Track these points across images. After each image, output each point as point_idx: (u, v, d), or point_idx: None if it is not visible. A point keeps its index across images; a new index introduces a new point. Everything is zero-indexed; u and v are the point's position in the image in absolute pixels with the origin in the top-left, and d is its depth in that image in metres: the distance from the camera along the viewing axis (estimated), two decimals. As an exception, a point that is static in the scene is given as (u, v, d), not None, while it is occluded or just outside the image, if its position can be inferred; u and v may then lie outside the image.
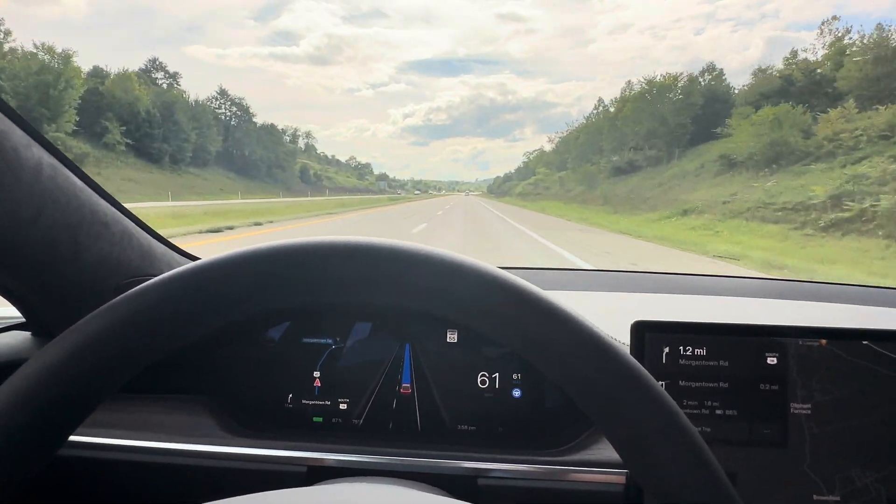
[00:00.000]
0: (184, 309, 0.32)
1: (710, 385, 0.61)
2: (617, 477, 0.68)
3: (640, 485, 0.31)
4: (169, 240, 0.91)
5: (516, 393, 0.79)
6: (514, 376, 0.79)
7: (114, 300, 0.32)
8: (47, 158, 0.65)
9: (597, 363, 0.30)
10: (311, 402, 0.81)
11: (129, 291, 0.32)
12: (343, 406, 0.81)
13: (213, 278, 0.32)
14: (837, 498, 0.60)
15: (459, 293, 0.32)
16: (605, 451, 0.72)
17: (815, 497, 0.60)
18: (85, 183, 0.71)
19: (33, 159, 0.62)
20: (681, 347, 0.62)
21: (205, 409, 0.81)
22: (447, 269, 0.32)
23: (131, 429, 0.78)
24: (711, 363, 0.62)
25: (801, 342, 0.61)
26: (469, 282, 0.32)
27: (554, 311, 0.31)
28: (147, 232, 0.85)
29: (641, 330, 0.63)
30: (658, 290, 1.08)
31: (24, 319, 0.83)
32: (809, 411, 0.60)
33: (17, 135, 0.61)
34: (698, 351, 0.62)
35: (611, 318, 0.70)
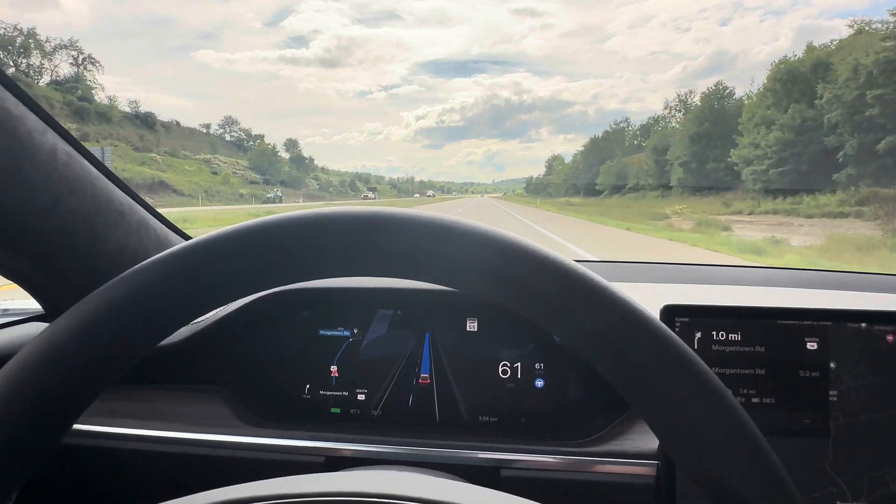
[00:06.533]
0: (191, 284, 0.30)
1: (746, 372, 0.58)
2: (647, 469, 0.66)
3: (692, 480, 0.29)
4: (183, 230, 0.90)
5: (539, 383, 0.77)
6: (537, 366, 0.77)
7: (117, 277, 0.30)
8: (62, 145, 0.64)
9: (651, 350, 0.29)
10: (328, 393, 0.80)
11: (137, 266, 0.30)
12: (361, 397, 0.80)
13: (234, 248, 0.30)
14: None
15: (508, 272, 0.30)
16: (634, 441, 0.70)
17: (837, 503, 0.55)
18: (100, 171, 0.71)
19: (48, 145, 0.62)
20: (713, 333, 0.59)
21: (221, 400, 0.81)
22: (490, 244, 0.30)
23: (148, 419, 0.77)
24: (746, 349, 0.58)
25: (842, 325, 0.58)
26: (515, 260, 0.30)
27: (601, 291, 0.30)
28: (162, 222, 0.84)
29: (671, 314, 0.60)
30: (684, 280, 1.06)
31: (43, 311, 0.83)
32: (836, 398, 0.57)
33: (32, 120, 0.60)
34: (732, 336, 0.59)
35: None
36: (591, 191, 58.22)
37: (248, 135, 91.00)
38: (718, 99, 43.01)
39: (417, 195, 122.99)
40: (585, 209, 36.66)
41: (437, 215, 0.32)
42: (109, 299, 0.29)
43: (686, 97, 55.78)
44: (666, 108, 58.16)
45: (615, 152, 62.22)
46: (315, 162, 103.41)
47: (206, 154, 71.88)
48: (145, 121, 71.67)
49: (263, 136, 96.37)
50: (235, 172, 67.99)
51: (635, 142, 67.77)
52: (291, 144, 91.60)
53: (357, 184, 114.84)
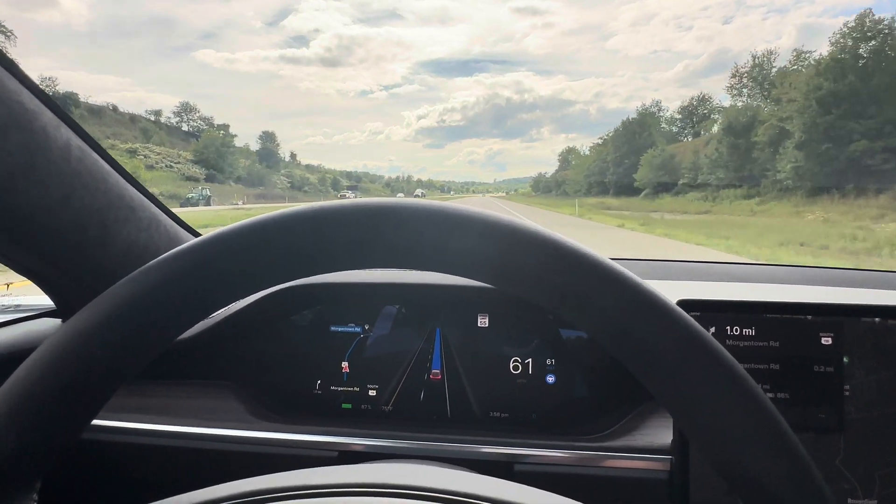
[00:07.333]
0: (209, 279, 0.29)
1: (760, 367, 0.58)
2: (660, 464, 0.66)
3: (719, 473, 0.28)
4: (194, 228, 0.89)
5: (550, 379, 0.78)
6: (548, 362, 0.78)
7: (136, 271, 0.30)
8: (76, 140, 0.64)
9: (676, 340, 0.28)
10: (340, 389, 0.81)
11: (157, 259, 0.30)
12: (372, 392, 0.81)
13: (250, 242, 0.30)
14: (874, 502, 0.55)
15: (522, 263, 0.29)
16: (646, 437, 0.70)
17: (849, 500, 0.55)
18: (112, 167, 0.72)
19: (62, 140, 0.62)
20: (728, 327, 0.59)
21: (233, 395, 0.82)
22: (508, 235, 0.29)
23: (161, 414, 0.78)
24: (761, 344, 0.58)
25: (856, 320, 0.58)
26: (531, 250, 0.29)
27: (623, 279, 0.29)
28: (172, 218, 0.84)
29: (685, 309, 0.52)
30: (697, 277, 1.04)
31: (55, 307, 0.83)
32: (849, 392, 0.57)
33: (47, 115, 0.60)
34: (747, 331, 0.59)
35: None
36: (628, 189, 43.24)
37: (210, 124, 74.77)
38: (862, 38, 25.49)
39: (400, 195, 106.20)
40: (649, 219, 22.11)
41: (442, 204, 0.31)
42: (130, 294, 0.29)
43: (763, 60, 40.42)
44: (734, 75, 41.75)
45: (656, 140, 45.63)
46: (297, 158, 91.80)
47: (136, 143, 57.55)
48: (64, 104, 57.11)
49: (228, 125, 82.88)
50: (171, 166, 53.97)
51: (673, 129, 52.48)
52: (267, 137, 75.15)
53: (342, 181, 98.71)
